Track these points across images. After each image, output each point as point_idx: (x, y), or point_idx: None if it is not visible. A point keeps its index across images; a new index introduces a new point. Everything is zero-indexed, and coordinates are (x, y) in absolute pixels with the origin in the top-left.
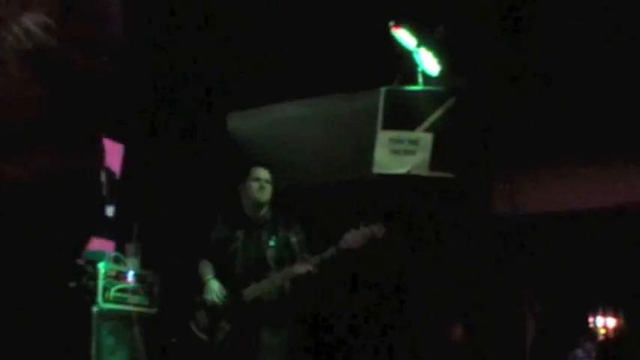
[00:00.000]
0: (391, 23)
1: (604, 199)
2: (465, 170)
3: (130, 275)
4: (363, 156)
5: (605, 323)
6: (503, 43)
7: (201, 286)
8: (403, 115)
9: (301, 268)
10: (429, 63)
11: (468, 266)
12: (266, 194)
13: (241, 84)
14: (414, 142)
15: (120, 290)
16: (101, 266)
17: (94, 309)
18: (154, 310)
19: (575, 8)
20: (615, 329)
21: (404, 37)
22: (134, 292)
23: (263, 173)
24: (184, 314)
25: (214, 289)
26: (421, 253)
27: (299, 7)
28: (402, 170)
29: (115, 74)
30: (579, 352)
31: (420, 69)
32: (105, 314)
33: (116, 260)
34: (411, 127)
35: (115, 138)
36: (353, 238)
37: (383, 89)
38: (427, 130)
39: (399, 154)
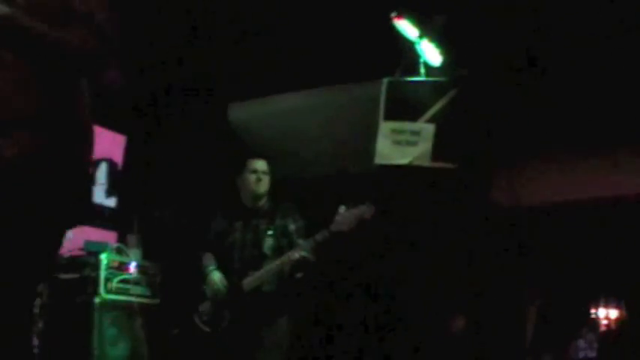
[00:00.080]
0: (393, 14)
1: (606, 190)
2: (466, 161)
3: (132, 266)
4: (365, 146)
5: (607, 314)
6: (504, 34)
7: (203, 278)
8: (405, 105)
9: (295, 254)
10: (430, 54)
11: (468, 258)
12: (263, 186)
13: (243, 74)
14: (416, 132)
15: (122, 281)
16: (103, 257)
17: (96, 300)
18: (156, 301)
19: None
20: (617, 320)
21: (406, 27)
22: (136, 283)
23: (260, 165)
24: (186, 305)
25: (216, 280)
26: (422, 244)
27: None
28: (404, 161)
29: (100, 53)
30: (581, 343)
31: (421, 60)
32: (107, 305)
33: (118, 251)
34: (413, 117)
35: (117, 129)
36: (343, 219)
37: (385, 80)
38: (429, 120)
39: (401, 145)
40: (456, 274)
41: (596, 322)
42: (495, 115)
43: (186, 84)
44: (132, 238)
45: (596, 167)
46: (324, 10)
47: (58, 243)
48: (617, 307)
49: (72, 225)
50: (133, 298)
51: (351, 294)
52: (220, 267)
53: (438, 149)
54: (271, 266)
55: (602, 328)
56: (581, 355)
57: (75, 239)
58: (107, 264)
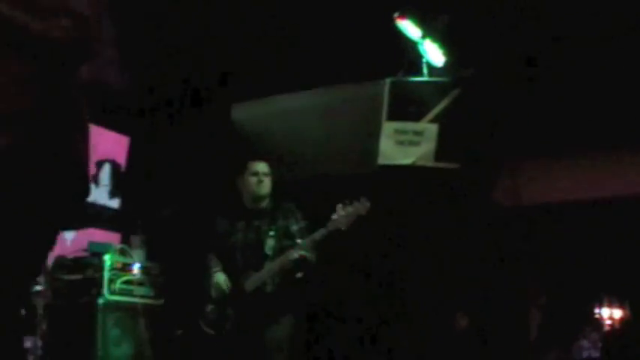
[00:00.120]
0: (396, 14)
1: (608, 189)
2: (469, 161)
3: (136, 267)
4: (368, 147)
5: (611, 314)
6: (507, 34)
7: (207, 280)
8: (408, 106)
9: (294, 254)
10: (433, 54)
11: (472, 257)
12: (265, 188)
13: (246, 75)
14: (419, 133)
15: (125, 282)
16: (107, 258)
17: (100, 301)
18: (159, 302)
19: None
20: (621, 320)
21: (409, 28)
22: (140, 283)
23: (261, 167)
24: (190, 306)
25: (220, 282)
26: (424, 244)
27: None
28: (407, 161)
29: (84, 46)
30: (585, 343)
31: (424, 60)
32: (110, 306)
33: (122, 252)
34: (416, 118)
35: (121, 130)
36: (340, 218)
37: (388, 80)
38: (432, 121)
39: (404, 145)
40: (460, 273)
41: (599, 321)
42: (498, 115)
43: (189, 85)
44: (135, 239)
45: (599, 166)
46: (327, 10)
47: (49, 243)
48: (620, 306)
49: (65, 225)
50: (136, 299)
51: (353, 293)
52: (223, 268)
53: (441, 149)
54: (272, 266)
55: (606, 328)
56: (585, 354)
57: (78, 240)
58: (111, 265)
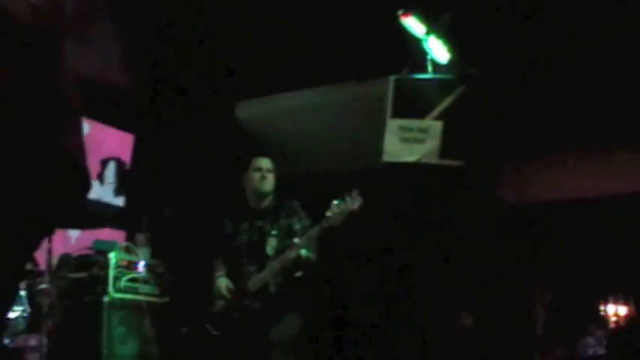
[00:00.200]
0: (400, 11)
1: (614, 186)
2: (474, 158)
3: (141, 265)
4: (373, 144)
5: (616, 311)
6: (512, 31)
7: (212, 283)
8: (412, 103)
9: (292, 253)
10: (438, 51)
11: (477, 255)
12: (268, 184)
13: (250, 73)
14: (424, 130)
15: (131, 280)
16: (112, 256)
17: (105, 299)
18: (164, 300)
19: None
20: (626, 317)
21: (413, 25)
22: (145, 281)
23: (265, 162)
24: (195, 304)
25: (222, 287)
26: (429, 242)
27: None
28: (412, 158)
29: (53, 26)
30: (590, 340)
31: (429, 57)
32: (116, 304)
33: (127, 250)
34: (421, 115)
35: (126, 129)
36: (333, 216)
37: (392, 77)
38: (437, 118)
39: (409, 143)
40: (464, 271)
41: (605, 319)
42: (502, 112)
43: (194, 83)
44: (140, 237)
45: (604, 164)
46: (331, 8)
47: (33, 242)
48: (626, 303)
49: (61, 221)
50: (141, 297)
51: (357, 292)
52: (230, 270)
53: (446, 146)
54: (273, 266)
55: (612, 325)
56: (591, 352)
57: (83, 238)
58: (116, 263)
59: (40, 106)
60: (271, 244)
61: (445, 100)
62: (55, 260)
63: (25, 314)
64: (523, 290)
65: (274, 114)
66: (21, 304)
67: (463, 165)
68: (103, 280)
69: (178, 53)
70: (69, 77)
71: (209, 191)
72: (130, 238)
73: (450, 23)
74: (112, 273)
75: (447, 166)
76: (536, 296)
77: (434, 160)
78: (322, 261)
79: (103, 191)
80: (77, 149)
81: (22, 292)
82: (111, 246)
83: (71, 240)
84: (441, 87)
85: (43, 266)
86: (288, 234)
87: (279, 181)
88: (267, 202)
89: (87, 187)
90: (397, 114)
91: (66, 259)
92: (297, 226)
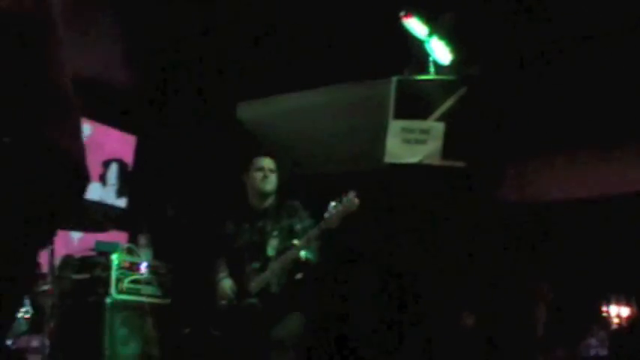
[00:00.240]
0: (402, 12)
1: (616, 186)
2: (476, 159)
3: (143, 266)
4: (375, 145)
5: (618, 312)
6: (514, 32)
7: (215, 284)
8: (414, 104)
9: (292, 254)
10: (440, 52)
11: (478, 254)
12: (270, 184)
13: (252, 74)
14: (426, 131)
15: (133, 281)
16: (114, 257)
17: (108, 300)
18: (166, 301)
19: None
20: (629, 318)
21: (415, 26)
22: (147, 283)
23: (267, 162)
24: (197, 305)
25: (225, 288)
26: (431, 242)
27: None
28: (414, 159)
29: (37, 17)
30: (592, 341)
31: (431, 58)
32: (118, 305)
33: (129, 251)
34: (423, 116)
35: (127, 130)
36: (331, 217)
37: (394, 78)
38: (438, 119)
39: (411, 144)
40: (466, 271)
41: (607, 319)
42: (504, 112)
43: (195, 84)
44: (142, 238)
45: (606, 164)
46: (333, 8)
47: (37, 240)
48: (628, 304)
49: (60, 222)
50: (144, 298)
51: (359, 292)
52: (232, 271)
53: (448, 147)
54: (274, 267)
55: (614, 326)
56: (593, 352)
57: (85, 239)
58: (118, 264)
59: (25, 98)
60: (272, 245)
61: (447, 101)
62: (57, 261)
63: (27, 315)
64: (524, 290)
65: (275, 115)
66: (23, 305)
67: (465, 166)
68: (106, 282)
69: (180, 54)
70: (62, 72)
71: (211, 192)
72: (133, 239)
73: (452, 24)
74: (114, 274)
75: (449, 167)
76: (538, 296)
77: (436, 161)
78: (323, 262)
79: (105, 193)
80: (75, 147)
81: None
82: (113, 247)
83: (73, 241)
84: (443, 88)
85: (45, 267)
86: (289, 234)
87: (282, 181)
88: (268, 202)
89: (79, 182)
90: (399, 115)
91: (68, 261)
92: (298, 227)
